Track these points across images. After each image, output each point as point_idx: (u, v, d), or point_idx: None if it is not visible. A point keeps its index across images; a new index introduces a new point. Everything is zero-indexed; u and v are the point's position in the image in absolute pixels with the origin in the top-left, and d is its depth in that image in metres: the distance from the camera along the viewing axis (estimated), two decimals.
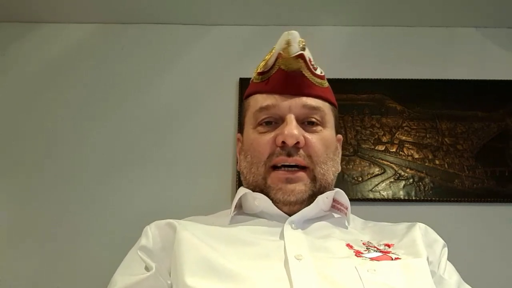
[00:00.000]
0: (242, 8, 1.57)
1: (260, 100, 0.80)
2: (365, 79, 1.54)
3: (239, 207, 0.82)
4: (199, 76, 1.56)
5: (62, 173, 1.42)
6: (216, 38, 1.61)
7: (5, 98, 1.52)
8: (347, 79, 1.52)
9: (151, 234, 0.74)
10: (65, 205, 1.38)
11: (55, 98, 1.52)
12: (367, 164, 1.44)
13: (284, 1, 1.53)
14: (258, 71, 0.83)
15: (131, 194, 1.40)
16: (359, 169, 1.43)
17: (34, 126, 1.48)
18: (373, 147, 1.46)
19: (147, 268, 0.69)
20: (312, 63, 0.80)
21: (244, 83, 1.50)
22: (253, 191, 0.78)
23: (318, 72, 0.81)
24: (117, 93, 1.53)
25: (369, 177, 1.42)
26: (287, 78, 0.78)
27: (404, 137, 1.47)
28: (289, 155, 0.74)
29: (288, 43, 0.77)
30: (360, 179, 1.42)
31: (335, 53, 1.55)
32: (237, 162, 1.43)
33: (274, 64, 0.80)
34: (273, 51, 0.80)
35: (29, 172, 1.42)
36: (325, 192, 0.77)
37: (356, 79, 1.53)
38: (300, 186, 0.74)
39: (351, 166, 1.43)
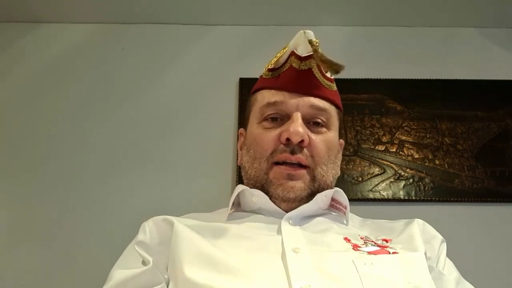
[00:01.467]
0: (242, 8, 1.57)
1: (268, 96, 0.80)
2: (365, 79, 1.54)
3: (237, 204, 0.83)
4: (199, 76, 1.56)
5: (62, 173, 1.42)
6: (216, 38, 1.61)
7: (5, 98, 1.52)
8: (347, 79, 1.52)
9: (148, 229, 0.75)
10: (65, 205, 1.38)
11: (55, 98, 1.52)
12: (367, 164, 1.44)
13: (284, 1, 1.53)
14: (269, 67, 0.83)
15: (131, 194, 1.40)
16: (359, 169, 1.43)
17: (34, 126, 1.48)
18: (373, 147, 1.46)
19: (144, 263, 0.69)
20: None
21: (244, 83, 1.50)
22: (253, 186, 0.78)
23: (328, 74, 0.81)
24: (117, 93, 1.53)
25: (369, 177, 1.42)
26: (297, 76, 0.78)
27: (404, 137, 1.47)
28: (292, 152, 0.74)
29: (303, 42, 0.77)
30: (360, 179, 1.42)
31: (335, 53, 1.53)
32: (237, 157, 1.43)
33: (286, 62, 0.80)
34: (286, 48, 0.80)
35: (29, 172, 1.42)
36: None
37: (356, 79, 1.53)
38: (300, 183, 0.74)
39: (351, 166, 1.43)
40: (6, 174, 1.43)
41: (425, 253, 0.70)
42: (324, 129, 0.79)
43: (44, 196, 1.39)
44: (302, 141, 0.74)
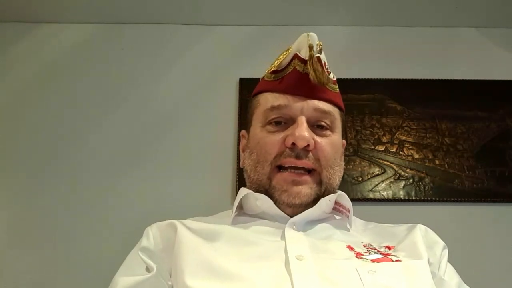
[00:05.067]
0: (242, 8, 1.57)
1: (272, 99, 0.79)
2: (365, 79, 1.54)
3: (240, 207, 0.82)
4: (199, 76, 1.56)
5: (62, 173, 1.42)
6: (216, 38, 1.61)
7: (5, 98, 1.52)
8: (347, 79, 1.52)
9: (152, 235, 0.74)
10: (65, 205, 1.38)
11: (54, 98, 1.52)
12: (367, 164, 1.44)
13: (284, 1, 1.53)
14: (272, 69, 0.82)
15: (131, 194, 1.39)
16: (359, 169, 1.43)
17: (34, 126, 1.48)
18: (373, 147, 1.46)
19: (148, 269, 0.69)
20: (327, 67, 0.80)
21: (244, 83, 1.50)
22: (256, 190, 0.77)
23: (331, 76, 0.81)
24: (117, 94, 1.53)
25: (369, 177, 1.42)
26: (301, 79, 0.77)
27: (404, 137, 1.47)
28: (297, 157, 0.73)
29: (308, 44, 0.76)
30: (360, 179, 1.42)
31: (335, 53, 1.54)
32: (237, 158, 1.43)
33: (289, 64, 0.79)
34: (289, 51, 0.79)
35: (29, 172, 1.42)
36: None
37: (356, 79, 1.53)
38: (306, 189, 0.74)
39: (351, 166, 1.43)
40: (6, 174, 1.43)
41: (428, 259, 0.70)
42: (328, 132, 0.78)
43: (44, 196, 1.39)
44: (307, 145, 0.73)
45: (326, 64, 0.80)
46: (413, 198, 1.39)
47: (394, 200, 1.39)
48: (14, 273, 1.30)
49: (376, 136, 1.47)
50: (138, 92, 1.53)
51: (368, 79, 1.54)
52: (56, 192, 1.39)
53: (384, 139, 1.47)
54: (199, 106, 1.52)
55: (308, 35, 0.77)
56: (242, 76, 1.51)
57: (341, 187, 0.82)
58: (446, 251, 0.77)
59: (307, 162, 0.74)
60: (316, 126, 0.77)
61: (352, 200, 1.32)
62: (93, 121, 1.49)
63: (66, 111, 1.50)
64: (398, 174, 1.42)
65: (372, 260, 0.66)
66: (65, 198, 1.39)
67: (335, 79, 0.83)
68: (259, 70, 0.88)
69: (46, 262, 1.31)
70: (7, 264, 1.32)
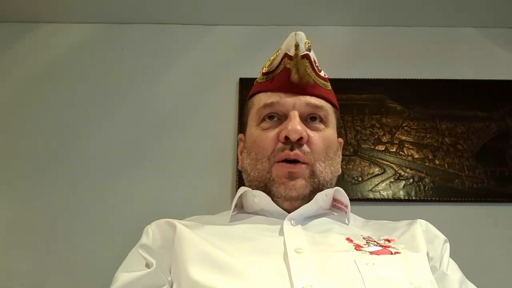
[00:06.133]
0: (242, 8, 1.57)
1: (264, 98, 0.80)
2: (365, 79, 1.54)
3: (240, 206, 0.83)
4: (199, 76, 1.56)
5: (62, 173, 1.42)
6: (216, 38, 1.61)
7: (4, 98, 1.52)
8: (347, 79, 1.53)
9: (151, 232, 0.75)
10: (66, 205, 1.38)
11: (55, 98, 1.52)
12: (367, 164, 1.44)
13: (284, 1, 1.53)
14: (263, 71, 0.83)
15: (131, 195, 1.39)
16: (359, 169, 1.43)
17: (34, 126, 1.48)
18: (373, 147, 1.46)
19: (147, 265, 0.70)
20: (317, 64, 0.81)
21: (244, 83, 1.50)
22: (256, 187, 0.78)
23: (322, 74, 0.82)
24: (117, 94, 1.53)
25: (369, 177, 1.42)
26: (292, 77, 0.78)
27: (404, 137, 1.47)
28: (291, 149, 0.74)
29: (294, 44, 0.77)
30: (360, 179, 1.42)
31: (335, 53, 1.55)
32: (237, 162, 1.43)
33: (279, 64, 0.80)
34: (279, 51, 0.81)
35: (29, 172, 1.42)
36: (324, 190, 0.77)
37: (356, 79, 1.54)
38: (301, 181, 0.74)
39: (351, 166, 1.43)
40: (6, 174, 1.43)
41: (428, 254, 0.70)
42: (322, 126, 0.79)
43: (45, 196, 1.39)
44: (301, 138, 0.74)
45: (316, 61, 0.81)
46: (413, 198, 1.39)
47: (394, 200, 1.39)
48: (14, 273, 1.30)
49: (376, 136, 1.47)
50: (138, 92, 1.53)
51: (368, 79, 1.55)
52: (56, 192, 1.39)
53: (384, 139, 1.47)
54: (199, 106, 1.52)
55: (296, 34, 0.78)
56: (242, 76, 1.51)
57: (341, 187, 0.82)
58: (447, 245, 0.77)
59: (299, 154, 0.74)
60: (310, 120, 0.78)
61: (352, 200, 1.31)
62: (93, 121, 1.49)
63: (66, 111, 1.50)
64: (398, 174, 1.42)
65: (371, 252, 0.67)
66: (65, 198, 1.39)
67: (326, 76, 0.84)
68: (259, 70, 0.88)
69: (46, 262, 1.31)
70: (7, 264, 1.31)
